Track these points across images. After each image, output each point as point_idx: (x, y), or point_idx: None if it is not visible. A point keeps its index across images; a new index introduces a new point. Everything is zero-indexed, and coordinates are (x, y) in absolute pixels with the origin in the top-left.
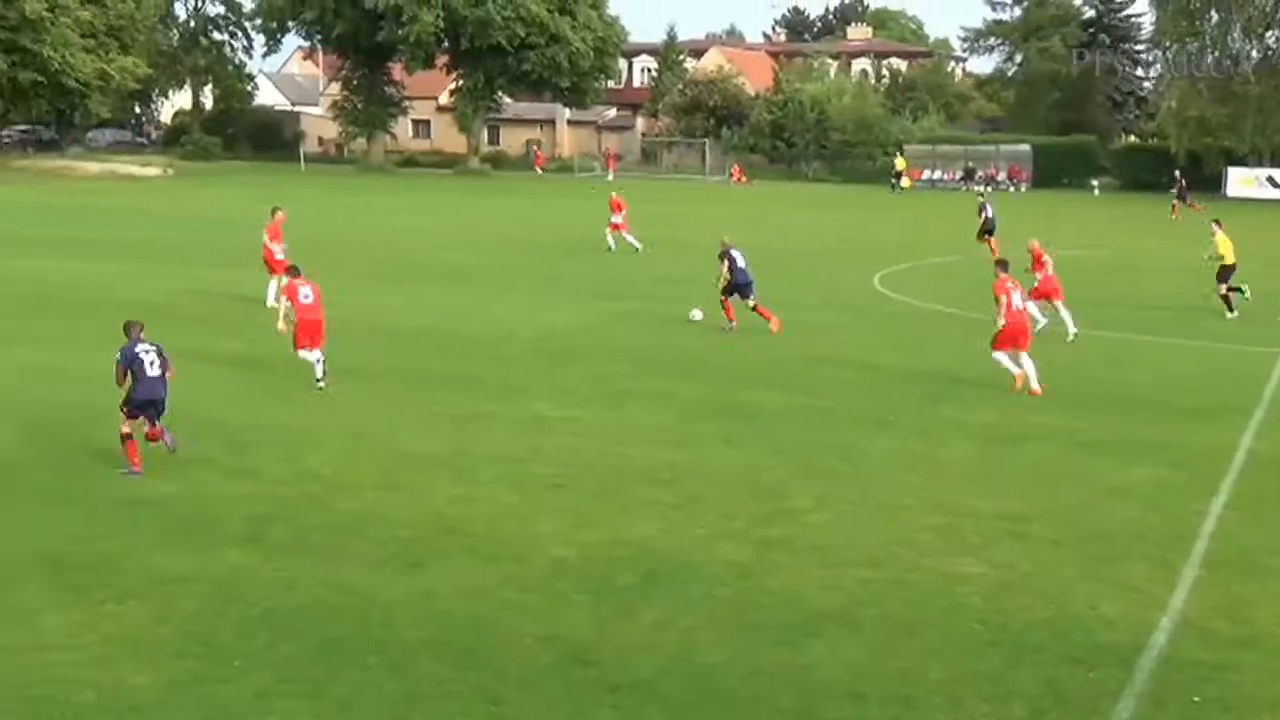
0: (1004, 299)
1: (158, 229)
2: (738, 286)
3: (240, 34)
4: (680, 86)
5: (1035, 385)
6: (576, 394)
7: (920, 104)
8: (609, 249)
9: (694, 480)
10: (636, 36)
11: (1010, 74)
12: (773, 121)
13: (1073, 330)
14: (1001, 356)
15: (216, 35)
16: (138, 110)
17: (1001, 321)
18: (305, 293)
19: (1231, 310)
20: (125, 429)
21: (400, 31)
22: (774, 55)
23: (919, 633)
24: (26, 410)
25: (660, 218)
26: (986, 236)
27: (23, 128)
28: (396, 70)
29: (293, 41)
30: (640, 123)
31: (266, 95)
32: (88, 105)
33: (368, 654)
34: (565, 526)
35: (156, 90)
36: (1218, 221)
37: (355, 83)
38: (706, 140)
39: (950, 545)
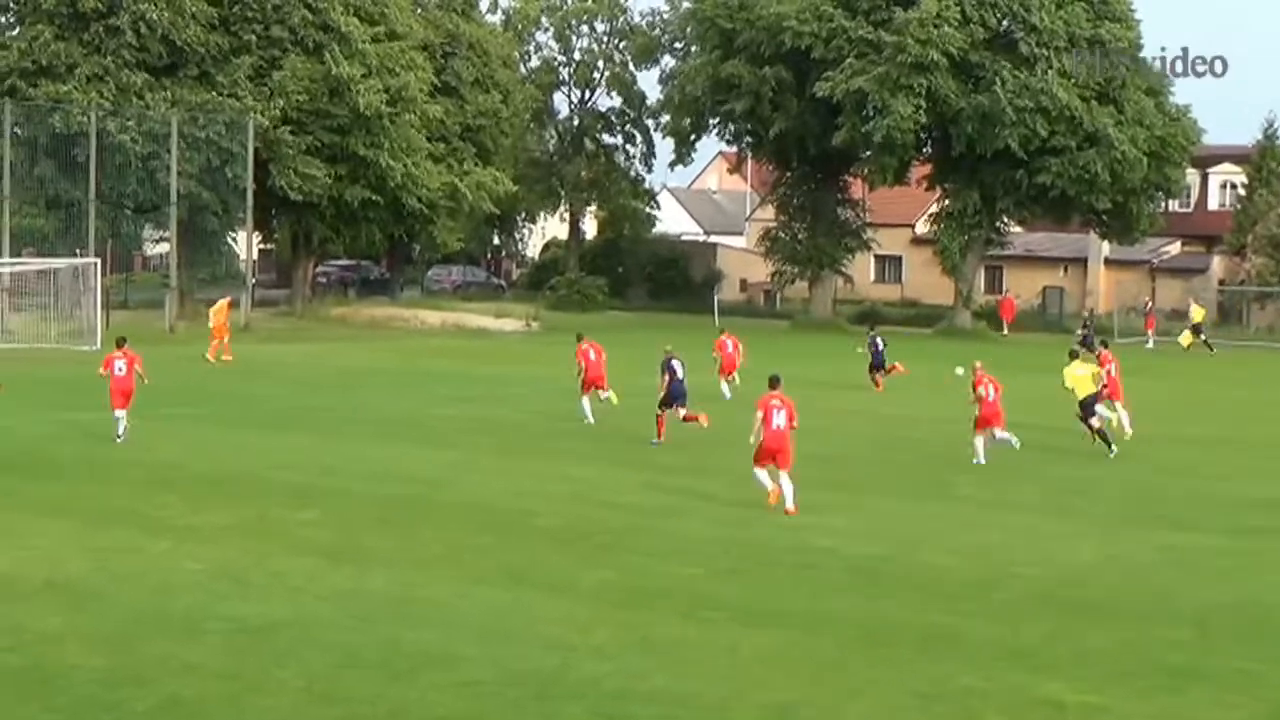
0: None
1: (512, 406)
2: (674, 397)
3: (640, 137)
4: None
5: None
6: (1105, 668)
7: None
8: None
9: None
10: (1215, 136)
11: None
12: None
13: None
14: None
15: (607, 138)
16: (495, 241)
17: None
18: (120, 366)
19: None
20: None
21: (864, 129)
22: None
23: None
24: (331, 652)
25: (1241, 407)
26: None
27: (344, 263)
28: (856, 186)
29: (712, 146)
30: (1216, 264)
31: (672, 220)
32: (431, 233)
33: None
34: None
35: (523, 213)
36: None
37: (797, 202)
38: None
39: None
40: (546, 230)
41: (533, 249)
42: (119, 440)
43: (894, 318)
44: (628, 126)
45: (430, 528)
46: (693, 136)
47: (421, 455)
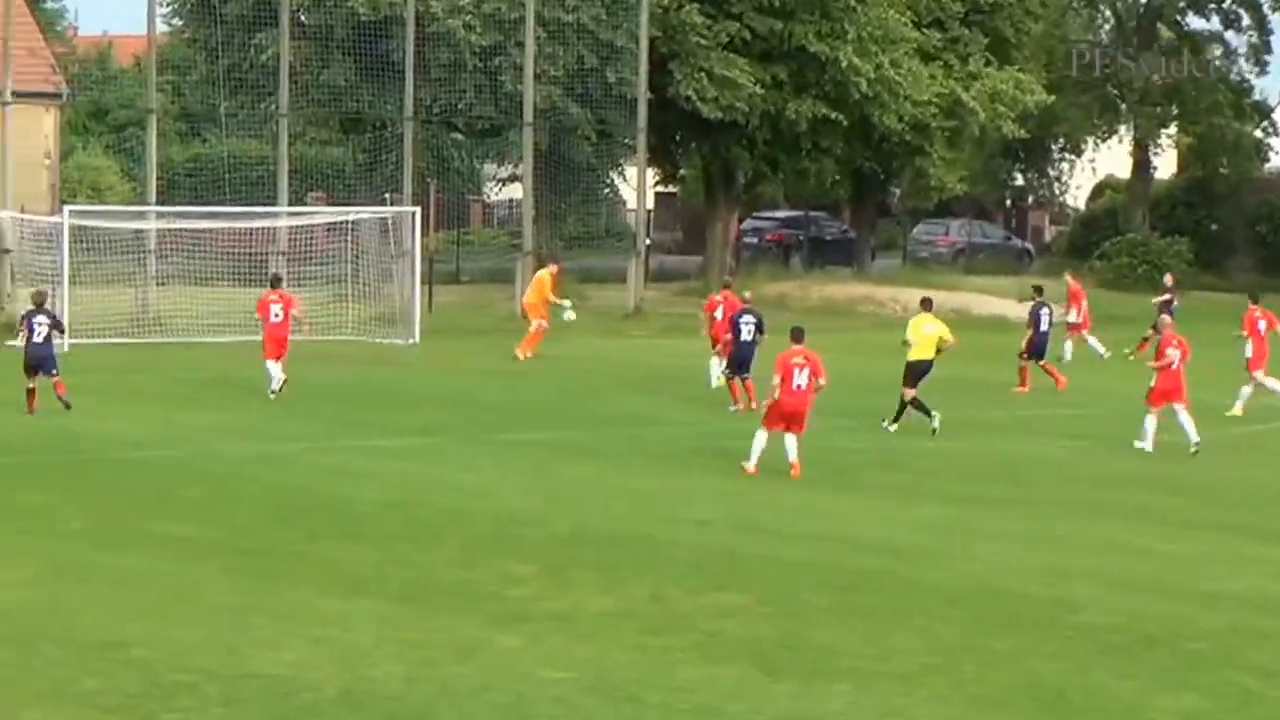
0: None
1: (1043, 436)
2: (735, 362)
3: (1248, 18)
4: None
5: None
6: None
7: None
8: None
9: None
10: None
11: None
12: None
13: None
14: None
15: (1194, 21)
16: (1019, 181)
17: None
18: (276, 311)
19: None
20: (28, 384)
21: None
22: None
23: None
24: None
25: None
26: None
27: (785, 215)
28: None
29: None
30: None
31: None
32: (919, 169)
33: None
34: None
35: (1060, 139)
36: None
37: None
38: None
39: None
40: (1098, 166)
41: (1075, 195)
42: (273, 395)
43: None
44: (1227, 3)
45: (914, 621)
46: None
47: (895, 510)
